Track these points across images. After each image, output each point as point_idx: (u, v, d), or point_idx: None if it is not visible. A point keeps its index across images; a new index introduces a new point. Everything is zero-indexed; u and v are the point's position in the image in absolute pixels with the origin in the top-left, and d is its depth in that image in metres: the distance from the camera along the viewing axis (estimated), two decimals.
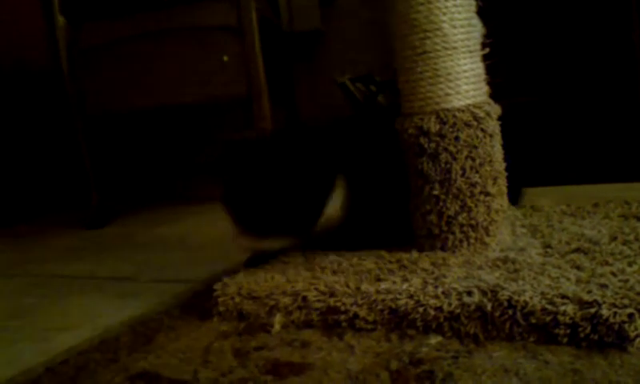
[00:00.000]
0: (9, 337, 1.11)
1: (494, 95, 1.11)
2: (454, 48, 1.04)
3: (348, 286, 0.92)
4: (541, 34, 2.22)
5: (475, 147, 1.03)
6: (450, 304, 0.83)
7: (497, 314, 0.79)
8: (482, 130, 1.03)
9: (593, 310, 0.74)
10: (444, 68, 1.04)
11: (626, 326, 0.72)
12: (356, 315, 0.89)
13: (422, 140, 1.03)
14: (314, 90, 2.68)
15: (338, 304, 0.90)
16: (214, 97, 2.10)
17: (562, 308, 0.76)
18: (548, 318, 0.76)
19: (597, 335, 0.73)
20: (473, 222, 1.04)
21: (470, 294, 0.83)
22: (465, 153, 1.03)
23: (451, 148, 1.03)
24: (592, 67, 2.13)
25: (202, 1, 2.05)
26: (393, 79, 1.15)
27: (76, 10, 2.18)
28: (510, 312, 0.79)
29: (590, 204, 1.28)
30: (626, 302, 0.74)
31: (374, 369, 0.76)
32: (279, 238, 1.01)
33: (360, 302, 0.89)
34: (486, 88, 1.10)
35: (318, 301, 0.92)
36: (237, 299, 0.99)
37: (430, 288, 0.87)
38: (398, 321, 0.86)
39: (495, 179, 1.06)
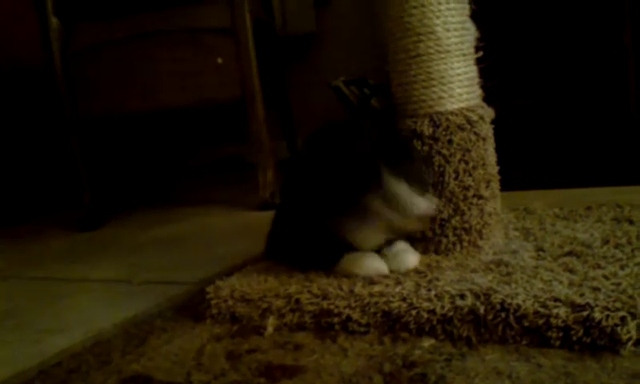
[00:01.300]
0: (3, 338, 1.11)
1: (487, 98, 1.12)
2: (448, 51, 1.04)
3: (341, 289, 0.92)
4: (533, 37, 2.23)
5: (468, 150, 1.03)
6: (442, 307, 0.83)
7: (490, 317, 0.80)
8: (476, 133, 1.04)
9: (585, 313, 0.74)
10: (437, 71, 1.04)
11: (619, 329, 0.72)
12: (349, 318, 0.89)
13: (415, 143, 1.04)
14: (308, 93, 2.68)
15: (331, 307, 0.90)
16: (208, 99, 2.09)
17: (555, 311, 0.76)
18: (541, 321, 0.76)
19: (589, 338, 0.73)
20: (466, 225, 1.04)
21: (462, 297, 0.83)
22: (458, 156, 1.03)
23: (444, 151, 1.03)
24: (584, 71, 2.14)
25: (195, 2, 2.05)
26: (387, 82, 1.15)
27: (69, 11, 2.17)
28: (503, 315, 0.79)
29: (583, 207, 1.28)
30: (618, 305, 0.75)
31: (367, 372, 0.76)
32: None
33: (353, 304, 0.89)
34: (479, 91, 1.10)
35: (311, 303, 0.92)
36: (230, 302, 0.98)
37: (423, 291, 0.87)
38: (391, 324, 0.86)
39: (488, 182, 1.06)
